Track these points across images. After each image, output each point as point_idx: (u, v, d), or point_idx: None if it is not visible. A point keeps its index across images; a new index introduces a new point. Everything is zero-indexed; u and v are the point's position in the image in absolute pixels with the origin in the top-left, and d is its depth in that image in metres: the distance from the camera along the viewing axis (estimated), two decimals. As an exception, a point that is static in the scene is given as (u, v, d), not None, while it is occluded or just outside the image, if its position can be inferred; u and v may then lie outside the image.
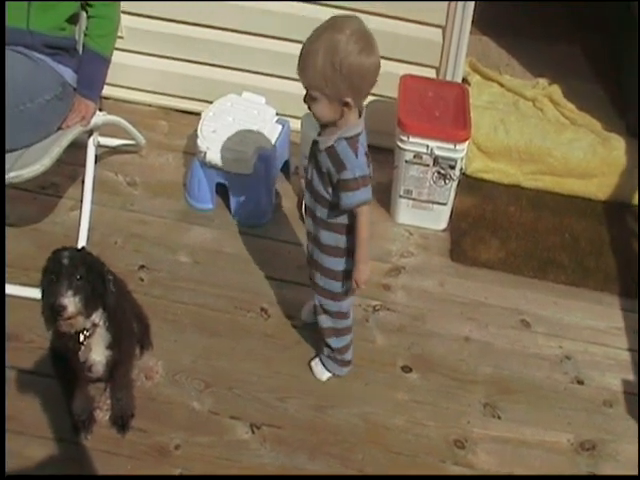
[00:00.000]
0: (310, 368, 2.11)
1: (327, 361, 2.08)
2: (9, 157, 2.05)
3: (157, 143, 2.84)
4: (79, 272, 1.61)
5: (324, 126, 1.72)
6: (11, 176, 2.02)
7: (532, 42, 3.41)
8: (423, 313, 2.30)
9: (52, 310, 1.59)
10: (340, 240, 1.82)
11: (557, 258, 2.50)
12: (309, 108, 1.67)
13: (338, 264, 1.86)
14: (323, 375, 2.10)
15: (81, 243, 2.30)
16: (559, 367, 2.18)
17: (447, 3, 2.52)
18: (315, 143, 1.74)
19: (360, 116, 1.70)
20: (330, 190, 1.73)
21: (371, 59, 1.58)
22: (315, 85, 1.60)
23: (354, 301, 2.01)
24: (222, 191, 2.56)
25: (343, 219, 1.79)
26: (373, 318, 2.27)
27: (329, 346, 2.03)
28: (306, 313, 2.22)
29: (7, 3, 2.03)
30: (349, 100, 1.61)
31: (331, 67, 1.55)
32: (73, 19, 2.20)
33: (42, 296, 1.63)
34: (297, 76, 2.70)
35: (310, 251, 1.93)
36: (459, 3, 2.49)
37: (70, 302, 1.58)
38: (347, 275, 1.87)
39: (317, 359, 2.11)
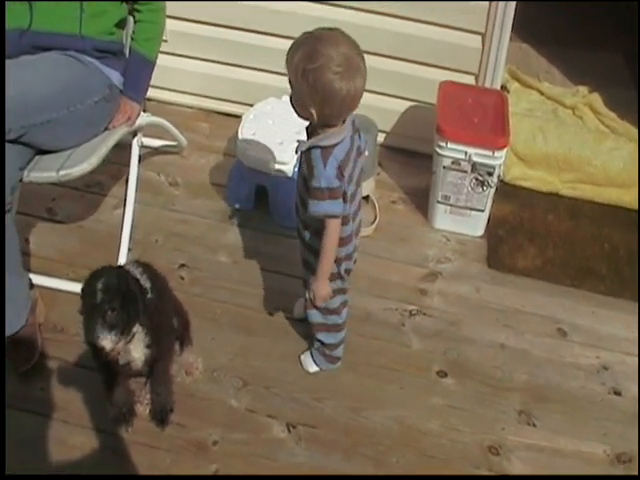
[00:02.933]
0: (299, 361, 2.13)
1: (317, 355, 2.11)
2: (59, 156, 2.11)
3: (198, 144, 2.89)
4: (114, 304, 1.64)
5: (311, 129, 1.72)
6: (61, 174, 2.06)
7: (572, 49, 3.40)
8: (459, 319, 2.30)
9: (92, 345, 1.65)
10: None
11: (595, 267, 2.49)
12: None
13: None
14: (311, 368, 2.12)
15: (125, 241, 2.35)
16: (596, 377, 2.16)
17: (487, 10, 2.52)
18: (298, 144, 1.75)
19: (340, 128, 1.67)
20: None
21: (345, 84, 1.56)
22: (289, 76, 1.61)
23: (349, 301, 2.02)
24: (261, 192, 2.59)
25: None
26: (409, 322, 2.28)
27: (320, 341, 2.06)
28: (298, 309, 2.24)
29: (61, 12, 2.10)
30: (312, 111, 1.61)
31: (302, 72, 1.56)
32: (121, 24, 2.26)
33: (82, 321, 1.66)
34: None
35: (300, 250, 1.95)
36: (499, 10, 2.50)
37: (107, 341, 1.63)
38: (337, 276, 1.89)
39: (307, 352, 2.14)
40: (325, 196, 1.66)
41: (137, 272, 1.80)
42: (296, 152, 1.74)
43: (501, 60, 2.65)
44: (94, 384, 1.99)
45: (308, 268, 1.92)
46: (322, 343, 2.07)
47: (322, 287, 1.84)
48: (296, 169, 2.27)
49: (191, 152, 2.85)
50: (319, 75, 1.55)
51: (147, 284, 1.79)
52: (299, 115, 1.68)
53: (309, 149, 1.68)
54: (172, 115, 2.80)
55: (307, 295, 1.89)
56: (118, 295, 1.65)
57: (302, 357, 2.15)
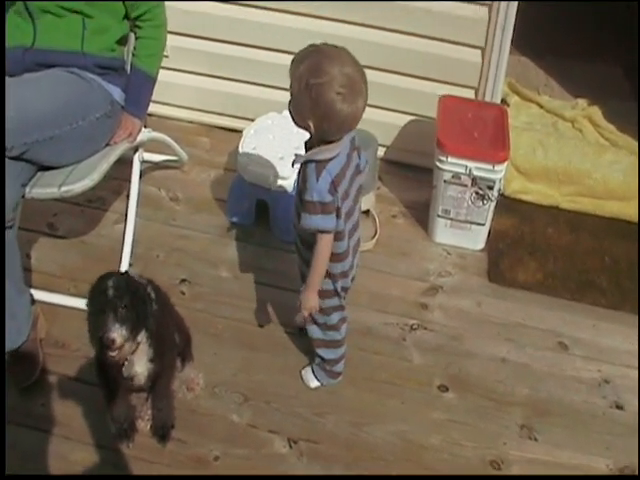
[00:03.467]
0: (300, 376, 2.13)
1: (317, 370, 2.11)
2: (61, 172, 2.12)
3: (199, 159, 2.90)
4: (124, 301, 1.65)
5: (309, 144, 1.73)
6: (63, 190, 2.08)
7: (571, 62, 3.41)
8: (460, 333, 2.30)
9: (100, 342, 1.65)
10: None
11: (596, 281, 2.49)
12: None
13: (324, 283, 1.86)
14: (312, 383, 2.12)
15: (126, 256, 2.36)
16: (597, 391, 2.16)
17: (486, 24, 2.54)
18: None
19: (336, 144, 1.67)
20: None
21: (346, 105, 1.57)
22: (291, 84, 1.61)
23: (348, 317, 2.02)
24: (262, 207, 2.59)
25: None
26: (410, 337, 2.28)
27: (320, 356, 2.06)
28: (299, 317, 2.23)
29: (64, 29, 2.12)
30: (310, 123, 1.62)
31: (305, 84, 1.57)
32: (123, 40, 2.28)
33: (89, 324, 1.68)
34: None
35: (298, 264, 1.96)
36: (499, 24, 2.51)
37: (118, 335, 1.64)
38: (334, 293, 1.89)
39: (308, 367, 2.14)
40: (317, 210, 1.67)
41: (142, 282, 1.81)
42: (292, 165, 1.75)
43: (501, 74, 2.66)
44: (95, 399, 1.99)
45: (305, 281, 1.92)
46: (322, 359, 2.07)
47: (310, 297, 1.82)
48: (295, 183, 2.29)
49: (192, 167, 2.86)
50: (322, 92, 1.56)
51: (152, 294, 1.79)
52: (296, 124, 1.68)
53: (305, 163, 1.70)
54: (173, 130, 2.82)
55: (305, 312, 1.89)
56: (128, 293, 1.67)
57: (303, 372, 2.15)
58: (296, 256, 1.96)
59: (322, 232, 1.72)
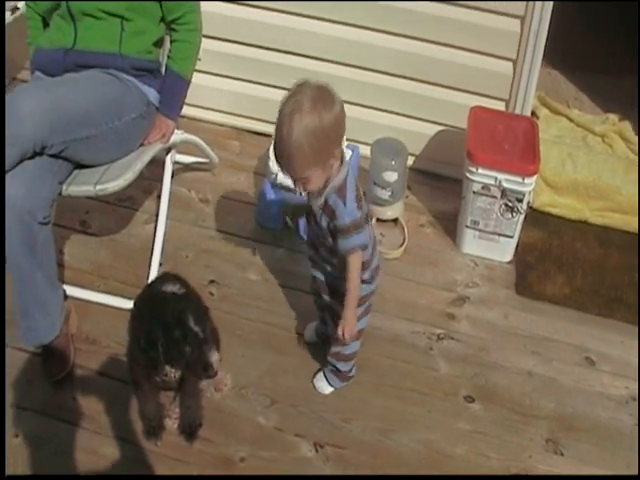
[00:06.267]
0: (312, 385, 2.14)
1: (330, 376, 2.12)
2: (96, 171, 2.15)
3: (229, 162, 2.92)
4: (205, 324, 1.71)
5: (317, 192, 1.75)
6: (98, 189, 2.10)
7: (602, 76, 3.39)
8: (487, 344, 2.30)
9: (201, 369, 1.70)
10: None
11: (624, 297, 2.48)
12: (303, 190, 1.71)
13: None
14: (326, 390, 2.13)
15: (156, 256, 2.38)
16: (625, 408, 2.15)
17: (518, 36, 2.54)
18: (310, 206, 1.81)
19: (342, 162, 1.71)
20: (331, 240, 1.78)
21: (335, 108, 1.62)
22: (307, 168, 1.63)
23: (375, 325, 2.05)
24: (292, 212, 2.62)
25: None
26: (437, 346, 2.28)
27: (335, 367, 2.07)
28: (309, 333, 2.26)
29: (103, 31, 2.16)
30: (336, 152, 1.65)
31: (316, 141, 1.59)
32: (159, 43, 2.31)
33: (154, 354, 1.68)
34: (365, 105, 2.79)
35: (315, 292, 2.01)
36: (531, 36, 2.51)
37: (215, 361, 1.71)
38: (363, 299, 1.91)
39: (320, 374, 2.15)
40: (351, 231, 1.71)
41: (175, 288, 1.82)
42: (314, 210, 1.78)
43: (532, 87, 2.66)
44: (124, 396, 2.03)
45: (325, 309, 1.98)
46: (338, 370, 2.08)
47: (352, 321, 1.84)
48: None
49: (222, 170, 2.88)
50: (324, 122, 1.59)
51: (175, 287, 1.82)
52: (322, 186, 1.69)
53: (326, 198, 1.72)
54: (203, 132, 2.83)
55: (338, 332, 1.87)
56: (202, 312, 1.74)
57: (315, 381, 2.15)
58: (311, 284, 1.99)
59: (358, 249, 1.75)
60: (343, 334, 1.84)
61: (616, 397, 2.18)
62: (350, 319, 1.84)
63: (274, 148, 1.65)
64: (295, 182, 1.69)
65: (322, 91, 1.63)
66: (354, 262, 1.77)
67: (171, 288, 1.79)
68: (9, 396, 2.04)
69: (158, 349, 1.65)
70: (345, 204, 1.68)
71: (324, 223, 1.76)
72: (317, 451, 1.98)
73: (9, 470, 1.89)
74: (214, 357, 1.70)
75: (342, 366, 2.07)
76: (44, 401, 2.04)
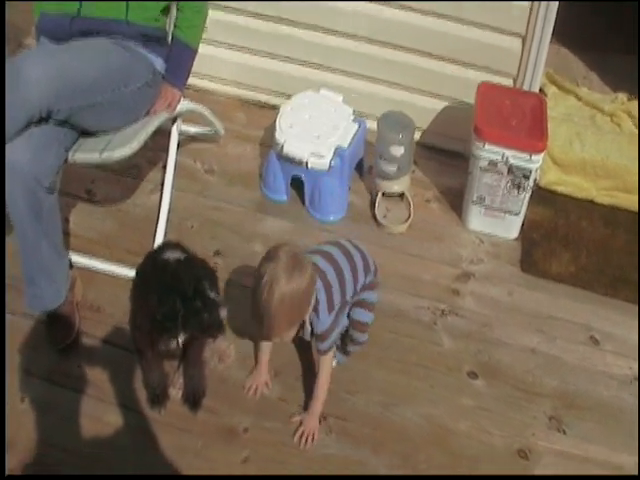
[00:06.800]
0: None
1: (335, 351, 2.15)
2: (102, 139, 2.14)
3: (235, 133, 2.89)
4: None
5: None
6: (104, 156, 2.09)
7: (612, 55, 3.35)
8: (491, 321, 2.30)
9: (216, 330, 1.75)
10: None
11: (630, 277, 2.47)
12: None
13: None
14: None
15: (161, 225, 2.37)
16: (628, 388, 2.14)
17: (528, 12, 2.50)
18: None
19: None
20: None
21: (307, 273, 1.74)
22: (285, 330, 1.79)
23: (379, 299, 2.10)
24: (297, 184, 2.60)
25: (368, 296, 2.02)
26: (441, 322, 2.28)
27: (354, 340, 2.10)
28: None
29: None
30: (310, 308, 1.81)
31: (293, 309, 1.74)
32: (166, 11, 2.29)
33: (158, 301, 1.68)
34: (372, 78, 2.77)
35: None
36: (540, 12, 2.47)
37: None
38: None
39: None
40: (327, 336, 1.88)
41: (177, 255, 1.82)
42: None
43: (541, 63, 2.63)
44: (128, 364, 2.04)
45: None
46: (355, 342, 2.10)
47: (315, 422, 1.98)
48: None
49: (227, 141, 2.85)
50: (302, 289, 1.72)
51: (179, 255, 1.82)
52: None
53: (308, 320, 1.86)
54: (209, 103, 2.78)
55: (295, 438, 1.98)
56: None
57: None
58: None
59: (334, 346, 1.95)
60: (302, 440, 1.95)
61: (619, 376, 2.18)
62: (313, 421, 1.96)
63: (253, 310, 1.75)
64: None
65: (295, 259, 1.73)
66: (328, 363, 1.93)
67: (173, 255, 1.78)
68: (16, 361, 2.06)
69: (178, 320, 1.65)
70: (319, 317, 1.83)
71: (307, 330, 1.90)
72: (320, 422, 1.98)
73: (13, 434, 1.90)
74: (224, 313, 1.72)
75: (362, 337, 2.09)
76: (50, 368, 2.06)
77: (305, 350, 2.16)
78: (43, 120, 1.96)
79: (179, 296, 1.65)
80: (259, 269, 1.72)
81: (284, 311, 1.71)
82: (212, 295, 1.68)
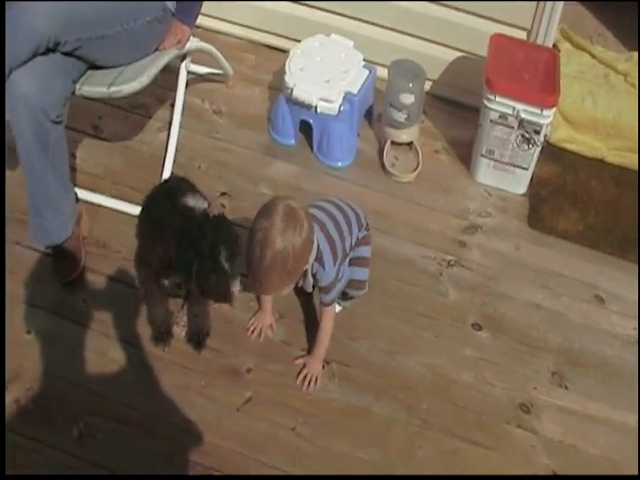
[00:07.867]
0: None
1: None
2: (111, 73, 2.11)
3: (244, 75, 2.84)
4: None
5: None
6: (112, 90, 2.07)
7: (628, 13, 3.29)
8: (497, 274, 2.29)
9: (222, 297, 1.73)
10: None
11: (637, 238, 2.46)
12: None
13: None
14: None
15: (168, 164, 2.35)
16: (631, 348, 2.14)
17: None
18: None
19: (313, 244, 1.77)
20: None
21: (304, 231, 1.66)
22: (280, 287, 1.74)
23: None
24: (306, 128, 2.56)
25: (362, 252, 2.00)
26: (447, 273, 2.28)
27: (353, 297, 2.10)
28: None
29: None
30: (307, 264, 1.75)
31: (287, 268, 1.65)
32: None
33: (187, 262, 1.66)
34: (384, 26, 2.71)
35: None
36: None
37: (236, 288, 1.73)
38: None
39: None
40: (331, 288, 1.85)
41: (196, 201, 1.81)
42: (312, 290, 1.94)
43: (555, 17, 2.57)
44: (133, 301, 2.03)
45: None
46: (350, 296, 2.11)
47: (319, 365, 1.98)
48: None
49: (236, 82, 2.80)
50: (297, 246, 1.65)
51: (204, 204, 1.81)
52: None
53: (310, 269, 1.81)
54: (219, 44, 2.71)
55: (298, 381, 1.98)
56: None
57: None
58: None
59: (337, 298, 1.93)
60: (305, 382, 1.95)
61: (623, 336, 2.18)
62: (317, 365, 1.96)
63: (247, 266, 1.68)
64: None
65: (291, 215, 1.66)
66: (330, 314, 1.90)
67: (198, 204, 1.78)
68: (21, 293, 2.05)
69: (192, 272, 1.65)
70: (324, 268, 1.79)
71: (309, 282, 1.87)
72: (323, 367, 1.99)
73: (18, 365, 1.90)
74: (236, 287, 1.70)
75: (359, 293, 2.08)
76: (55, 301, 2.05)
77: (310, 294, 2.15)
78: (50, 50, 1.92)
79: (194, 249, 1.64)
80: (253, 225, 1.66)
81: (277, 269, 1.64)
82: (226, 266, 1.66)
